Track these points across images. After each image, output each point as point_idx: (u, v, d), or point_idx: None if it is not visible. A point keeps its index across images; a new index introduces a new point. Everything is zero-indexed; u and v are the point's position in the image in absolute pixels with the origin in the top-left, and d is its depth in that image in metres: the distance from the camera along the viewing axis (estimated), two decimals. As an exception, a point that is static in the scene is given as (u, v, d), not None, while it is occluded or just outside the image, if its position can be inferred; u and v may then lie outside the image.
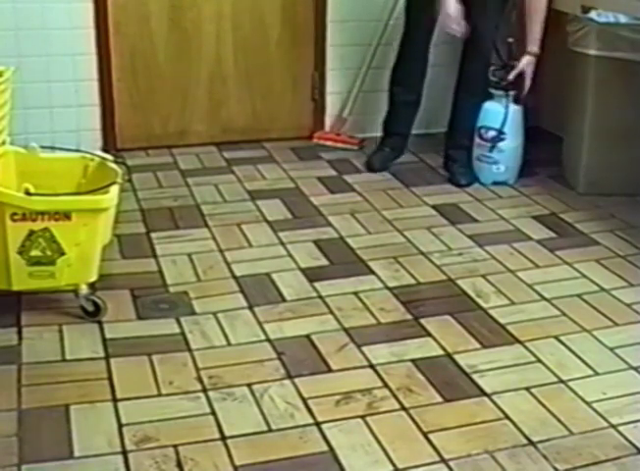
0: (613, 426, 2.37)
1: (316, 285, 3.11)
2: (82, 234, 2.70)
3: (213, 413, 2.39)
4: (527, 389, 2.53)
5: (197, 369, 2.59)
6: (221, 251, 3.35)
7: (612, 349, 2.75)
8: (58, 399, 2.43)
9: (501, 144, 4.01)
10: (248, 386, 2.52)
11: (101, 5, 4.16)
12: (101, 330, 2.79)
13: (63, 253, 2.70)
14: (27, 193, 2.62)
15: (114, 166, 2.93)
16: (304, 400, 2.46)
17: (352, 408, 2.43)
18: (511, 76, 3.95)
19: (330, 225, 3.61)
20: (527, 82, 3.98)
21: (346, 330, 2.83)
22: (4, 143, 2.90)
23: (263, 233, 3.53)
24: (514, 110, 4.00)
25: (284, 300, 3.01)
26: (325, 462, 2.22)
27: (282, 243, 3.43)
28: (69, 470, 2.18)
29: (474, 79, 4.06)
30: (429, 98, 4.29)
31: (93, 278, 2.83)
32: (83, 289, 2.82)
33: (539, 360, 2.68)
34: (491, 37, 3.98)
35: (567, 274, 3.24)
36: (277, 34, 4.49)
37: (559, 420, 2.39)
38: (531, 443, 2.30)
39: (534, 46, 3.94)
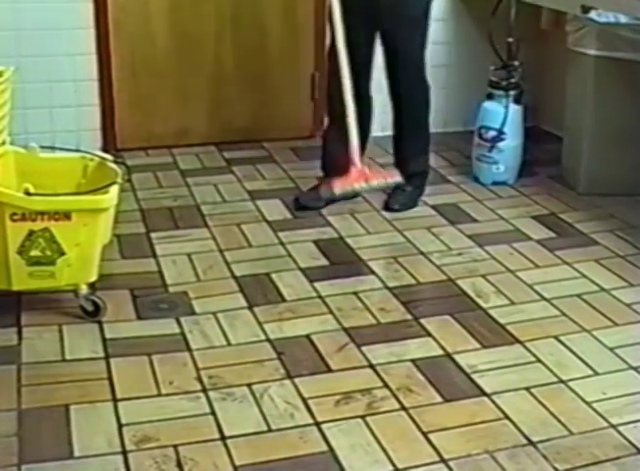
0: (613, 426, 2.37)
1: (316, 285, 3.11)
2: (82, 234, 2.70)
3: (213, 413, 2.39)
4: (527, 389, 2.53)
5: (197, 369, 2.59)
6: (221, 251, 3.35)
7: (612, 349, 2.74)
8: (58, 399, 2.43)
9: (500, 144, 4.01)
10: (248, 386, 2.52)
11: (101, 5, 4.16)
12: (101, 330, 2.79)
13: (63, 253, 2.70)
14: (27, 193, 2.62)
15: (114, 166, 2.93)
16: (304, 400, 2.46)
17: (352, 408, 2.43)
18: None
19: (330, 225, 3.61)
20: None
21: (345, 330, 2.83)
22: (4, 143, 2.90)
23: (263, 233, 3.53)
24: (514, 110, 3.99)
25: (284, 300, 3.00)
26: (325, 462, 2.22)
27: (282, 243, 3.43)
28: (69, 470, 2.18)
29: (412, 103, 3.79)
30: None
31: (93, 278, 2.83)
32: (83, 289, 2.82)
33: (539, 360, 2.68)
34: (415, 56, 3.66)
35: (567, 274, 3.24)
36: (277, 34, 4.49)
37: (559, 420, 2.39)
38: (531, 443, 2.30)
39: None
